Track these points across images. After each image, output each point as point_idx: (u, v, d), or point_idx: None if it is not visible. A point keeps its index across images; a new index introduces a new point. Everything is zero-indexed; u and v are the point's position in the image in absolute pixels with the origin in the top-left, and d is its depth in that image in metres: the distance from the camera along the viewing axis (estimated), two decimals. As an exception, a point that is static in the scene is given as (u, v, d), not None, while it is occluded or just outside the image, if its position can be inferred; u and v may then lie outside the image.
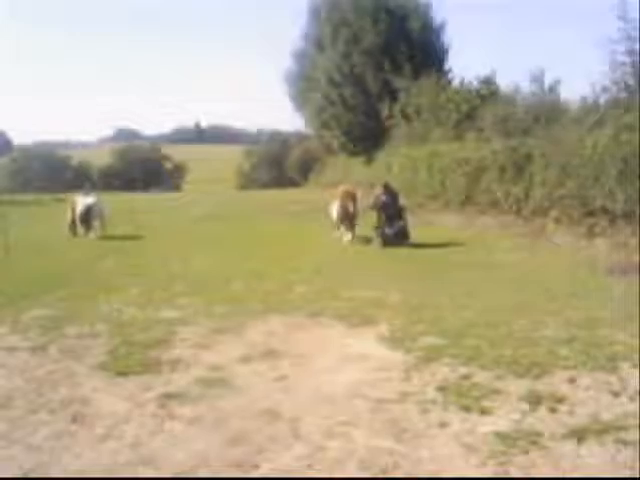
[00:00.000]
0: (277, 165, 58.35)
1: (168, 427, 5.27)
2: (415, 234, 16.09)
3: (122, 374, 6.52)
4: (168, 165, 71.68)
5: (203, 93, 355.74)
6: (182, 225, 21.86)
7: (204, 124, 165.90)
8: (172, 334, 7.96)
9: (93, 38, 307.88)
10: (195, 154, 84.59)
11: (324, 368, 6.71)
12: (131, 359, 6.98)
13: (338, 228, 17.01)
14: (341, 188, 17.83)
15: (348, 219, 16.64)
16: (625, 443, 4.78)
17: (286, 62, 39.29)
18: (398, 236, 15.71)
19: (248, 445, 4.91)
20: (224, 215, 24.81)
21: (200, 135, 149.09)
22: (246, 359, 6.98)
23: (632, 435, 4.90)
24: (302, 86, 36.82)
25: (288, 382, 6.30)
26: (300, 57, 37.28)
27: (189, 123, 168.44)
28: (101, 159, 68.48)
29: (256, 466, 4.59)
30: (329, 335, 7.96)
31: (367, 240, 16.36)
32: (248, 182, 60.49)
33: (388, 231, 15.74)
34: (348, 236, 16.54)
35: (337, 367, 6.73)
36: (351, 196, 16.95)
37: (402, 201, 16.99)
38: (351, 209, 16.62)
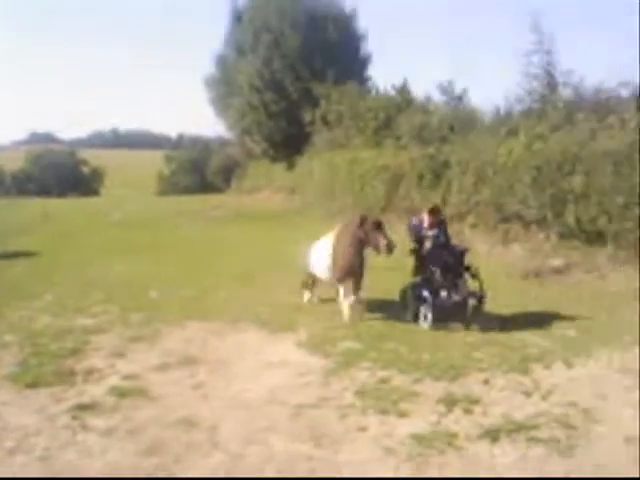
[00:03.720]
0: (198, 170, 57.63)
1: (81, 439, 5.12)
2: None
3: (32, 386, 6.28)
4: (85, 170, 69.87)
5: (121, 97, 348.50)
6: (99, 231, 21.28)
7: (122, 129, 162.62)
8: (86, 343, 7.73)
9: (9, 40, 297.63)
10: (114, 159, 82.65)
11: (243, 374, 6.67)
12: (42, 370, 6.73)
13: (338, 290, 9.05)
14: (352, 218, 9.31)
15: (358, 273, 8.89)
16: (536, 441, 4.93)
17: (207, 67, 38.98)
18: (463, 306, 8.54)
19: (164, 455, 4.82)
20: (143, 221, 24.31)
21: (118, 140, 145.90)
22: (163, 367, 6.86)
23: (543, 433, 5.07)
24: (223, 91, 36.48)
25: (206, 389, 6.22)
26: (221, 62, 36.96)
27: (106, 127, 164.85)
28: (15, 163, 66.17)
29: (172, 476, 4.51)
30: (248, 341, 7.91)
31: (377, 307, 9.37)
32: (169, 188, 59.48)
33: (449, 297, 8.46)
34: (349, 303, 8.81)
35: (256, 373, 6.70)
36: (375, 227, 8.60)
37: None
38: (384, 241, 8.45)
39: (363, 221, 8.72)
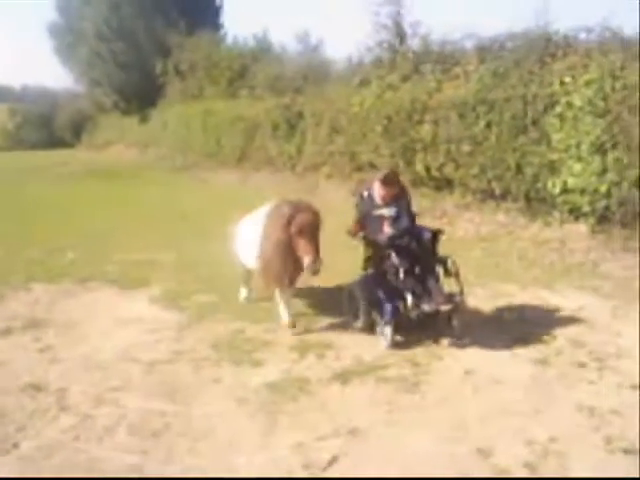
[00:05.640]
0: (46, 125, 54.58)
1: None
2: (193, 196, 10.75)
3: None
4: None
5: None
6: None
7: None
8: None
9: None
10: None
11: (93, 334, 6.45)
12: None
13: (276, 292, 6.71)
14: (281, 205, 6.46)
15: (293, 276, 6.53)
16: (385, 380, 5.12)
17: (50, 13, 36.56)
18: (435, 315, 6.02)
19: (8, 424, 4.60)
20: (-17, 179, 22.76)
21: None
22: (6, 332, 6.51)
23: (391, 372, 5.28)
24: (68, 40, 34.42)
25: (54, 352, 5.97)
26: (64, 7, 34.77)
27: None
28: None
29: (16, 445, 4.31)
30: (99, 300, 7.64)
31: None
32: (14, 143, 55.88)
33: (417, 305, 5.77)
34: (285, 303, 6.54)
35: (107, 332, 6.50)
36: (300, 233, 6.00)
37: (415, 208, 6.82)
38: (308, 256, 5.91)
39: (289, 221, 6.07)
